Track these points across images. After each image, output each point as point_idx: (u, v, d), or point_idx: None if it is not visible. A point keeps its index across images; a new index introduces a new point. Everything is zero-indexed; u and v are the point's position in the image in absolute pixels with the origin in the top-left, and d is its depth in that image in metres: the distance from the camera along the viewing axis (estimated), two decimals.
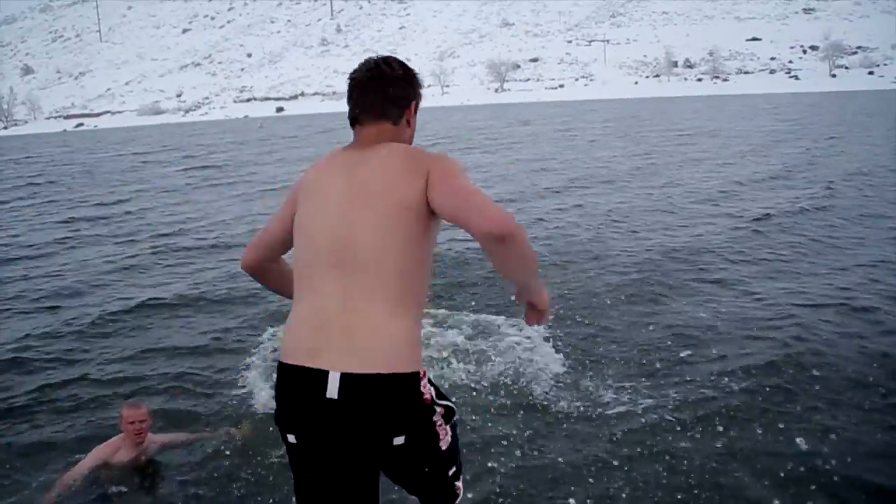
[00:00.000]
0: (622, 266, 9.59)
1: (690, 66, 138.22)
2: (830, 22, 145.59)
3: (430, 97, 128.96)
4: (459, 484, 2.58)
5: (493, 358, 6.33)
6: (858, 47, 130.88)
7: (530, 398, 5.54)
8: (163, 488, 4.67)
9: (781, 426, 4.91)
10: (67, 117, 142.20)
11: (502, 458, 4.68)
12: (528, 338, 6.73)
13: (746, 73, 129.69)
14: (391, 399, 2.22)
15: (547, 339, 6.68)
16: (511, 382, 5.82)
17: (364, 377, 2.19)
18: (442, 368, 6.10)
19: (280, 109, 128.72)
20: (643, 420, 5.10)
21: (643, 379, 5.81)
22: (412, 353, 2.29)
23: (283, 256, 2.73)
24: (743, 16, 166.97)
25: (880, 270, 8.80)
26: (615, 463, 4.58)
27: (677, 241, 11.08)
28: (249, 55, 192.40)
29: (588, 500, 4.20)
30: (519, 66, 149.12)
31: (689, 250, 10.36)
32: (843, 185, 15.44)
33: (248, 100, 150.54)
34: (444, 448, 2.44)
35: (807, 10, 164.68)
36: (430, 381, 2.37)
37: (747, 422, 5.00)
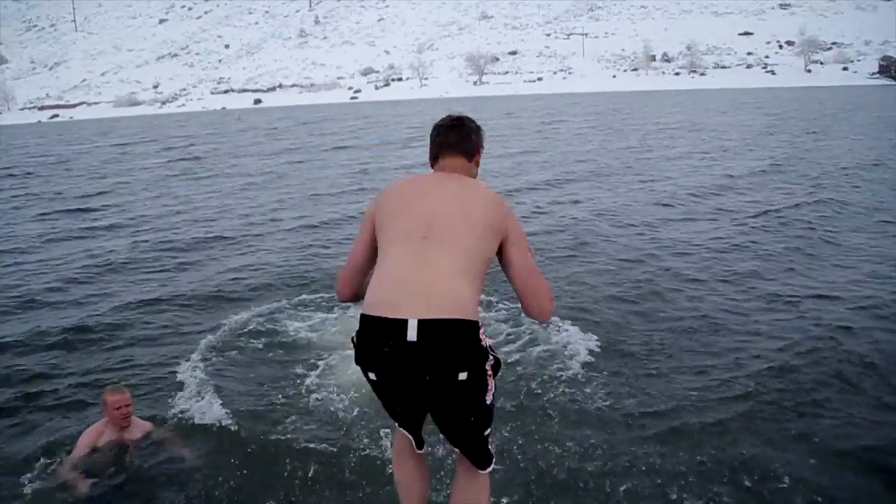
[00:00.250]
0: (627, 262, 9.53)
1: (668, 61, 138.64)
2: (806, 18, 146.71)
3: (408, 89, 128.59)
4: (492, 450, 3.09)
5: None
6: (833, 43, 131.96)
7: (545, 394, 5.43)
8: (147, 468, 4.74)
9: (807, 421, 4.87)
10: (42, 108, 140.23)
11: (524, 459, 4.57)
12: (531, 331, 6.68)
13: (723, 67, 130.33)
14: (458, 340, 2.73)
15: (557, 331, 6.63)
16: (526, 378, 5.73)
17: (436, 322, 2.70)
18: None
19: (258, 101, 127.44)
20: (662, 418, 5.00)
21: (654, 377, 5.72)
22: (474, 307, 2.81)
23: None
24: (721, 11, 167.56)
25: (886, 267, 8.78)
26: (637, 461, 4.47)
27: (681, 235, 11.05)
28: (227, 46, 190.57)
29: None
30: (497, 59, 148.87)
31: (694, 244, 10.33)
32: (834, 180, 15.52)
33: (226, 91, 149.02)
34: (487, 402, 2.91)
35: (783, 6, 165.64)
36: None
37: (772, 421, 4.94)
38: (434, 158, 3.25)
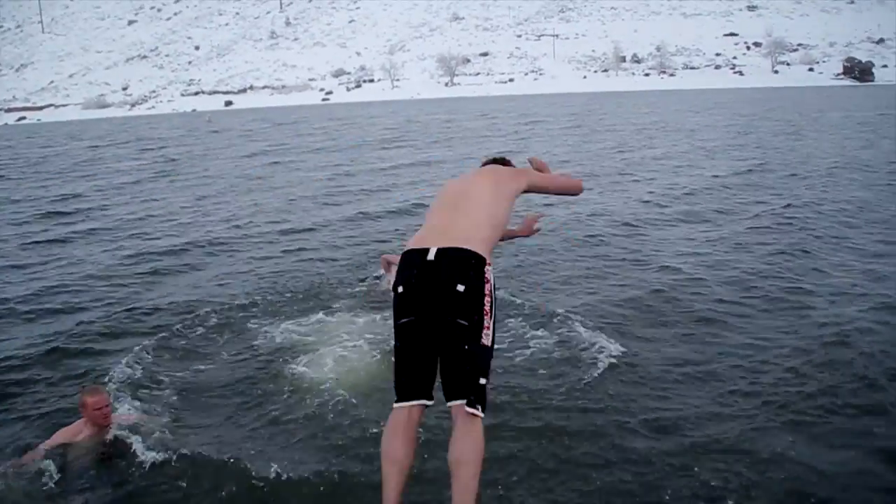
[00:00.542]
0: (627, 262, 9.52)
1: (638, 62, 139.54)
2: (773, 19, 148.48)
3: (379, 91, 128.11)
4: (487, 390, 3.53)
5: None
6: (799, 44, 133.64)
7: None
8: (125, 464, 4.73)
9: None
10: (9, 110, 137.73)
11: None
12: (541, 326, 6.70)
13: (692, 68, 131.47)
14: (463, 262, 3.51)
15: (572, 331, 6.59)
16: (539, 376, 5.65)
17: (450, 248, 3.56)
18: None
19: (229, 103, 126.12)
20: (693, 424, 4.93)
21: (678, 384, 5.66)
22: (486, 250, 3.62)
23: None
24: (689, 12, 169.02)
25: (887, 267, 8.80)
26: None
27: (680, 235, 11.04)
28: (197, 48, 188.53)
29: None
30: (469, 61, 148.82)
31: (694, 244, 10.34)
32: (819, 179, 15.70)
33: (196, 93, 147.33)
34: (483, 340, 3.49)
35: (750, 8, 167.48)
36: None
37: (791, 425, 4.93)
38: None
